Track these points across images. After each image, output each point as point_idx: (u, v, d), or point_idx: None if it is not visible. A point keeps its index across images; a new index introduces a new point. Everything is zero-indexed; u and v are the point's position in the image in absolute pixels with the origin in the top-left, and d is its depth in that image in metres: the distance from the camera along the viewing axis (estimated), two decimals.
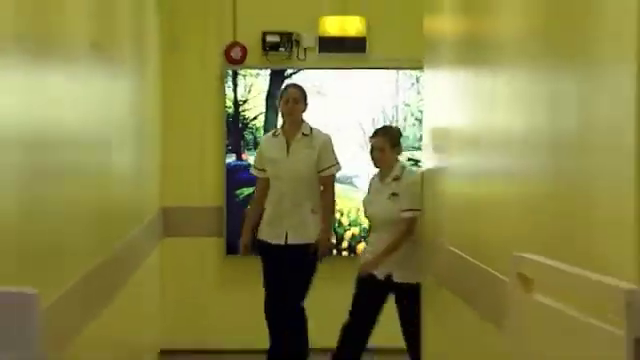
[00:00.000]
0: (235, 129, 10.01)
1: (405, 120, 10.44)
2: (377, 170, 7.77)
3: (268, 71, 10.17)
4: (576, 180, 4.62)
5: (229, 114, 10.12)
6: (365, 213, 7.80)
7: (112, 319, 6.09)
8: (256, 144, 9.77)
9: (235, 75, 10.17)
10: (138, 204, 8.05)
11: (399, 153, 7.79)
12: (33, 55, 4.67)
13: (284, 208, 7.69)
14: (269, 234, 7.71)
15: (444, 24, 8.27)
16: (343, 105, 10.17)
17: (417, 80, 10.20)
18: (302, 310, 7.60)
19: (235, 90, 10.15)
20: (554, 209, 4.86)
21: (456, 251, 6.75)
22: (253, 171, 8.15)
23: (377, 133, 7.81)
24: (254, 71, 10.27)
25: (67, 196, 5.14)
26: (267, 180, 7.84)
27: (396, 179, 7.53)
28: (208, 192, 8.89)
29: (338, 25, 10.06)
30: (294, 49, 10.09)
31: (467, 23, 7.63)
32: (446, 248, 7.00)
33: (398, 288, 7.35)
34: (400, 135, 7.96)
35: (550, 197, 5.00)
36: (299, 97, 7.93)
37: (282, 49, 10.03)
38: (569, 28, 4.84)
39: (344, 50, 10.13)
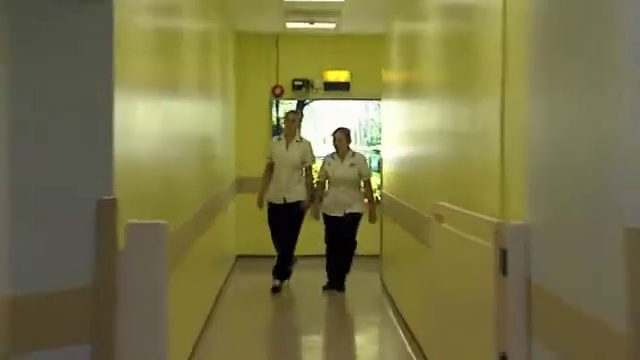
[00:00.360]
0: (276, 133, 13.76)
1: (371, 127, 15.23)
2: (334, 153, 11.58)
3: (295, 101, 14.75)
4: (466, 159, 6.04)
5: (273, 124, 14.58)
6: (331, 175, 11.40)
7: (210, 237, 8.90)
8: None
9: (277, 103, 14.72)
10: (225, 174, 11.70)
11: (349, 142, 11.72)
12: (170, 95, 6.56)
13: (282, 182, 11.25)
14: (273, 197, 11.34)
15: (393, 75, 11.94)
16: (337, 120, 14.17)
17: (378, 105, 14.38)
18: (295, 240, 11.41)
19: (277, 111, 14.68)
20: (454, 175, 6.34)
21: (402, 202, 9.33)
22: (267, 158, 11.53)
23: (337, 131, 11.71)
24: (287, 101, 14.71)
25: (189, 169, 7.42)
26: (272, 164, 11.38)
27: (352, 157, 11.49)
28: (261, 168, 11.81)
29: (334, 75, 14.64)
30: (310, 88, 14.59)
31: (405, 75, 10.59)
32: (395, 200, 9.96)
33: (351, 216, 11.22)
34: (349, 132, 11.97)
35: (452, 168, 6.49)
36: (295, 118, 11.80)
37: (303, 88, 14.61)
38: (462, 77, 6.26)
39: (337, 89, 14.74)
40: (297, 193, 11.33)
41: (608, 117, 2.84)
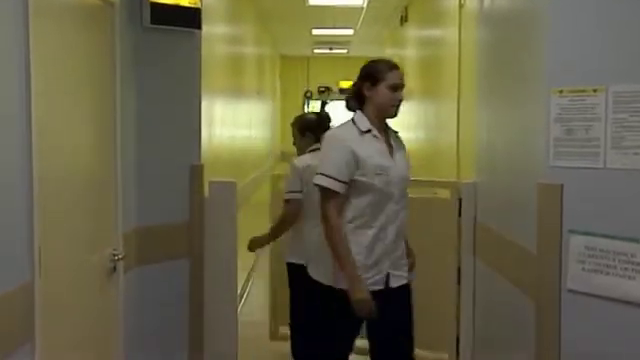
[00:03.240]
0: None
1: None
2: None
3: (319, 101, 14.89)
4: (434, 143, 6.09)
5: None
6: None
7: (262, 193, 8.48)
8: None
9: (308, 102, 14.85)
10: (273, 149, 11.56)
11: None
12: (238, 97, 6.51)
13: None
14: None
15: None
16: (348, 113, 13.69)
17: None
18: None
19: (308, 107, 14.71)
20: (427, 153, 6.34)
21: None
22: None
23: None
24: (315, 101, 14.85)
25: (249, 148, 7.48)
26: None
27: None
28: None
29: (346, 84, 13.98)
30: (330, 92, 14.55)
31: None
32: None
33: None
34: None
35: (425, 148, 6.53)
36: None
37: (325, 92, 14.62)
38: (432, 87, 6.27)
39: (348, 93, 14.63)
40: None
41: (526, 114, 2.85)
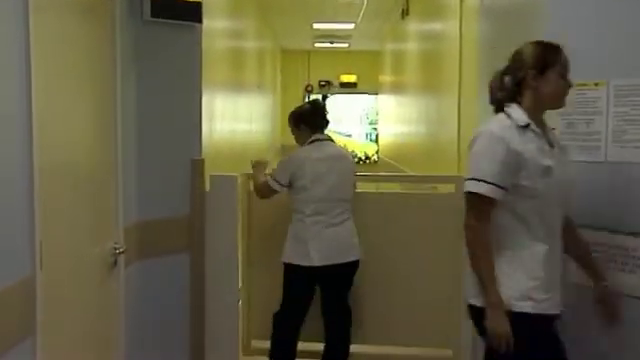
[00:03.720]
0: None
1: (371, 113, 14.88)
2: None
3: (320, 95, 14.40)
4: (434, 136, 6.13)
5: None
6: None
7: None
8: None
9: (308, 96, 14.54)
10: (273, 142, 11.49)
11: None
12: (238, 91, 6.47)
13: None
14: None
15: (386, 77, 11.32)
16: (349, 108, 14.46)
17: (376, 98, 14.28)
18: None
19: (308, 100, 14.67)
20: (427, 147, 6.38)
21: (392, 162, 8.96)
22: None
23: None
24: (316, 95, 14.38)
25: (250, 142, 7.34)
26: None
27: None
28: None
29: (347, 78, 14.30)
30: (330, 86, 14.41)
31: (394, 77, 9.99)
32: (386, 161, 9.67)
33: None
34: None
35: (426, 142, 6.54)
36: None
37: (326, 86, 14.46)
38: (432, 81, 6.25)
39: (349, 87, 14.43)
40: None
41: None
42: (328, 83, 14.76)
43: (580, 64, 2.44)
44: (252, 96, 8.05)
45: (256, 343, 4.07)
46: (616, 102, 2.37)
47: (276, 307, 3.72)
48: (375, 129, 14.72)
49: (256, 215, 4.05)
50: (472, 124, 3.97)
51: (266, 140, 10.43)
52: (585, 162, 2.45)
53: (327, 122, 3.76)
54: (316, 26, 11.06)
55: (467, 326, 3.75)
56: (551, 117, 2.51)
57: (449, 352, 3.94)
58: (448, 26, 5.41)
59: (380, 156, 13.42)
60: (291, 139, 3.98)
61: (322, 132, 3.73)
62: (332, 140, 3.76)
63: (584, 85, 2.46)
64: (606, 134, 2.39)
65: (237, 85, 6.56)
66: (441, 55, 5.79)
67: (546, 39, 2.54)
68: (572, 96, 2.47)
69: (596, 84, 2.42)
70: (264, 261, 3.97)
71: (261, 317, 3.91)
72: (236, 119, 6.41)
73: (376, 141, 14.62)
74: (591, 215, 2.44)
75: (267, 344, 3.82)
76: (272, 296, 3.77)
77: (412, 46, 8.16)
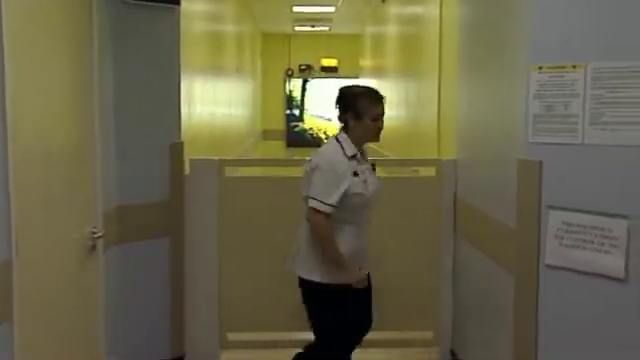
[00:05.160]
0: (288, 101, 14.31)
1: None
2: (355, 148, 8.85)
3: (301, 79, 14.76)
4: (415, 120, 6.18)
5: (287, 95, 14.64)
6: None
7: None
8: (295, 107, 14.92)
9: (289, 80, 14.66)
10: (254, 127, 11.45)
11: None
12: (217, 75, 6.46)
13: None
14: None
15: (366, 61, 11.46)
16: (330, 92, 13.19)
17: (356, 81, 13.89)
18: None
19: (289, 86, 14.60)
20: (408, 130, 6.40)
21: (372, 146, 8.66)
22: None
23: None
24: (296, 79, 14.71)
25: (230, 126, 7.18)
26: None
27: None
28: (278, 120, 12.62)
29: (328, 62, 14.16)
30: (311, 70, 14.26)
31: (375, 61, 9.95)
32: (367, 145, 9.05)
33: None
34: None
35: (406, 125, 6.57)
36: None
37: (306, 71, 14.33)
38: (412, 63, 6.29)
39: (329, 71, 14.31)
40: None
41: (506, 91, 2.85)
42: (309, 67, 14.68)
43: (559, 47, 2.46)
44: (232, 80, 7.99)
45: (232, 336, 3.91)
46: (593, 85, 2.38)
47: (250, 299, 3.66)
48: None
49: (227, 202, 3.81)
50: (452, 107, 3.98)
51: (246, 125, 10.38)
52: (563, 145, 2.46)
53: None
54: (296, 9, 10.98)
55: (448, 308, 3.82)
56: (529, 100, 2.53)
57: (429, 334, 3.97)
58: (428, 9, 5.41)
59: None
60: (271, 125, 3.97)
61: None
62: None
63: (562, 67, 2.47)
64: (583, 117, 2.40)
65: (216, 68, 6.51)
66: (421, 38, 5.79)
67: (526, 22, 2.57)
68: (550, 78, 2.49)
69: (574, 66, 2.43)
70: (235, 250, 3.80)
71: (234, 309, 3.81)
72: (215, 103, 6.37)
73: None
74: (568, 196, 2.46)
75: (244, 336, 3.79)
76: (244, 287, 3.75)
77: (393, 29, 8.15)
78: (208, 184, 3.69)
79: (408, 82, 6.62)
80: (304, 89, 14.93)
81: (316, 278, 2.84)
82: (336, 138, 2.92)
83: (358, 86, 3.03)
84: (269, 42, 14.42)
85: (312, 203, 2.77)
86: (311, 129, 15.12)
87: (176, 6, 3.50)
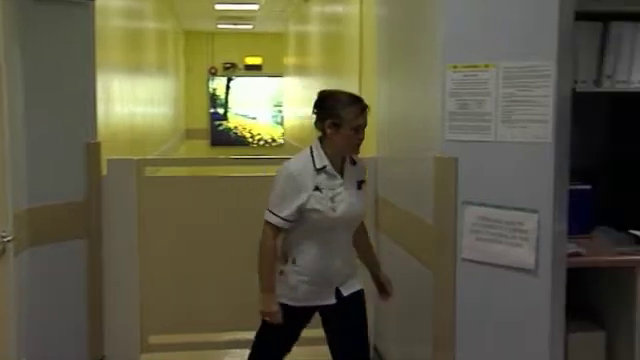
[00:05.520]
0: (212, 100, 14.15)
1: (276, 94, 14.57)
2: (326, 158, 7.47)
3: (225, 78, 14.63)
4: None
5: (211, 93, 14.43)
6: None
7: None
8: (220, 105, 14.75)
9: (213, 78, 14.54)
10: (177, 126, 11.36)
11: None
12: (137, 73, 6.27)
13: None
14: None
15: (290, 59, 11.32)
16: (254, 90, 14.37)
17: (281, 81, 13.95)
18: None
19: (213, 84, 14.48)
20: None
21: (296, 144, 8.70)
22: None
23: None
24: (220, 78, 14.62)
25: (152, 126, 6.67)
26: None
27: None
28: (202, 119, 12.50)
29: (251, 60, 14.11)
30: (235, 69, 14.21)
31: (298, 59, 9.94)
32: (292, 144, 9.57)
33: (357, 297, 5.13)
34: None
35: None
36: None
37: (230, 69, 14.29)
38: (333, 62, 6.34)
39: (254, 69, 14.31)
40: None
41: (423, 90, 2.90)
42: (233, 65, 14.57)
43: (472, 46, 2.52)
44: (153, 78, 7.84)
45: (154, 338, 3.82)
46: (505, 84, 2.44)
47: (173, 301, 3.59)
48: (280, 111, 14.67)
49: (148, 203, 3.73)
50: (373, 105, 4.00)
51: (169, 123, 10.21)
52: (477, 142, 2.52)
53: None
54: (218, 7, 10.88)
55: (370, 306, 3.83)
56: (445, 98, 2.58)
57: None
58: (349, 8, 5.45)
59: (286, 138, 13.43)
60: (194, 124, 3.95)
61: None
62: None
63: (475, 67, 2.52)
64: (496, 114, 2.47)
65: (136, 66, 6.37)
66: (343, 37, 5.83)
67: (441, 21, 2.62)
68: (464, 77, 2.55)
69: (486, 66, 2.49)
70: (157, 251, 3.73)
71: (157, 311, 3.73)
72: (136, 101, 6.24)
73: (282, 123, 14.60)
74: (482, 192, 2.52)
75: (166, 339, 3.73)
76: (167, 289, 3.69)
77: (315, 28, 8.19)
78: (127, 184, 3.62)
79: (330, 81, 6.65)
80: (228, 87, 14.80)
81: None
82: (310, 147, 2.65)
83: (341, 92, 2.73)
84: (192, 40, 14.24)
85: (265, 213, 2.61)
86: (236, 128, 15.02)
87: (90, 2, 3.42)
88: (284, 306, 2.66)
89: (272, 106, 15.09)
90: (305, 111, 9.21)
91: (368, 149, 4.20)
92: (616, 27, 2.81)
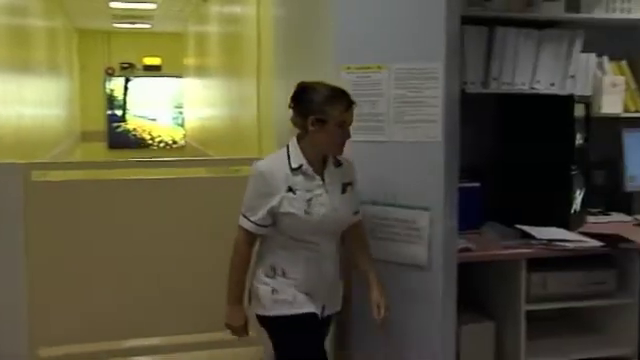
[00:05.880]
0: (110, 101, 13.90)
1: (177, 96, 14.38)
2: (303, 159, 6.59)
3: (122, 78, 14.31)
4: (236, 117, 6.18)
5: (108, 94, 14.10)
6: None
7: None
8: (118, 107, 14.45)
9: (110, 79, 14.20)
10: (72, 129, 10.89)
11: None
12: (23, 73, 5.96)
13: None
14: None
15: (190, 60, 11.17)
16: (154, 91, 14.11)
17: (181, 81, 13.81)
18: None
19: (110, 85, 14.23)
20: (230, 128, 6.37)
21: (199, 147, 8.66)
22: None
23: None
24: (118, 78, 14.31)
25: (42, 127, 6.33)
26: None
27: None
28: (99, 121, 12.09)
29: (150, 60, 13.89)
30: (134, 69, 14.00)
31: (198, 60, 9.83)
32: (195, 147, 9.71)
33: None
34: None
35: (229, 123, 6.56)
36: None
37: (128, 69, 14.07)
38: (233, 63, 6.31)
39: (153, 70, 14.14)
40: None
41: None
42: (131, 66, 14.20)
43: (365, 47, 2.55)
44: (43, 78, 7.50)
45: (46, 351, 3.53)
46: (396, 85, 2.49)
47: (68, 309, 3.43)
48: (181, 113, 14.41)
49: (37, 209, 3.46)
50: (270, 105, 4.02)
51: (62, 125, 9.80)
52: (372, 142, 2.56)
53: None
54: (114, 5, 10.56)
55: None
56: None
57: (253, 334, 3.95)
58: (247, 9, 5.43)
59: (187, 140, 13.22)
60: (90, 127, 3.80)
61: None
62: None
63: (368, 68, 2.56)
64: (388, 115, 2.52)
65: (23, 66, 6.07)
66: (241, 38, 5.80)
67: (333, 23, 2.64)
68: (358, 78, 2.58)
69: (379, 67, 2.53)
70: (49, 259, 3.46)
71: (49, 321, 3.48)
72: (22, 103, 5.94)
73: (183, 125, 14.33)
74: (377, 191, 2.56)
75: (59, 350, 3.55)
76: (61, 297, 3.50)
77: (214, 29, 8.11)
78: (11, 190, 3.38)
79: (230, 81, 6.61)
80: (126, 88, 14.42)
81: (259, 311, 2.40)
82: (287, 145, 2.39)
83: (323, 84, 2.40)
84: (86, 39, 13.74)
85: (239, 217, 2.36)
86: (135, 130, 14.63)
87: None
88: (290, 318, 2.34)
89: (172, 107, 14.80)
90: (207, 112, 9.07)
91: (268, 150, 4.22)
92: (501, 32, 2.96)
